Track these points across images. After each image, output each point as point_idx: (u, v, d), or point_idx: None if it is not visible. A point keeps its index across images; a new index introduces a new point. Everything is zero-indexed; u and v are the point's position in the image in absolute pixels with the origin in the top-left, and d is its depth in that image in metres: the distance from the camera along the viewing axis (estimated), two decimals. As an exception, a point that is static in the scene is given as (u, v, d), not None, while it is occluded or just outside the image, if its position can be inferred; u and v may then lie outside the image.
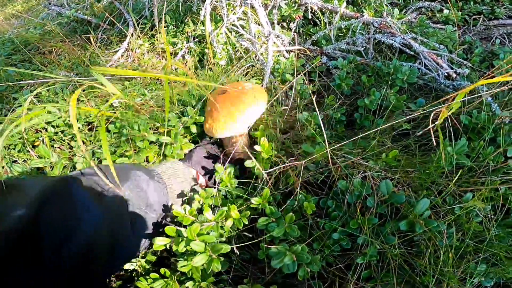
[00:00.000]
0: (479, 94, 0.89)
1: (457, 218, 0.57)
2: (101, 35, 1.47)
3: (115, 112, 0.88)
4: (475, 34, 1.54)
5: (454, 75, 1.11)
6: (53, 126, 0.94)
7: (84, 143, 0.91)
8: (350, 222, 0.58)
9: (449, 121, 0.73)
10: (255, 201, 0.65)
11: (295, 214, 0.62)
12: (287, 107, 0.81)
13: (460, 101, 0.58)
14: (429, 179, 0.61)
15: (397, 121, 0.72)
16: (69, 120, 0.94)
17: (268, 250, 0.58)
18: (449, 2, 1.54)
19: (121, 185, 0.54)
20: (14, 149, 0.90)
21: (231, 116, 0.68)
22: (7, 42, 1.73)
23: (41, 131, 0.94)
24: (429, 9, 1.67)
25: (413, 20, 1.53)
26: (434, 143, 0.60)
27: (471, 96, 0.81)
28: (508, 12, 1.75)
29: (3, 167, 0.84)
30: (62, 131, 0.93)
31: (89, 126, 0.98)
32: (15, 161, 0.89)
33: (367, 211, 0.58)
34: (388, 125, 0.68)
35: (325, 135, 0.60)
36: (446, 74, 0.99)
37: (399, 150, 0.69)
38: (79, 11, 1.77)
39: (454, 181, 0.58)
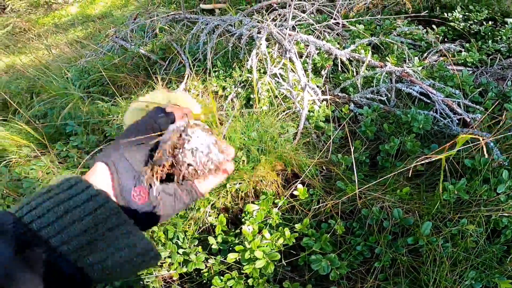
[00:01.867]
0: (484, 140, 1.08)
1: (453, 236, 0.79)
2: (162, 73, 1.79)
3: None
4: (492, 75, 1.70)
5: (468, 120, 1.29)
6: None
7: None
8: (370, 238, 0.83)
9: (455, 162, 0.94)
10: (297, 226, 0.90)
11: (328, 234, 0.86)
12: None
13: (465, 145, 0.80)
14: (432, 209, 0.83)
15: (412, 165, 0.94)
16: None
17: (309, 258, 0.82)
18: (469, 42, 1.71)
19: None
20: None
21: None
22: (84, 74, 2.11)
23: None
24: (449, 51, 1.84)
25: (434, 63, 1.71)
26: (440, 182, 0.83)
27: (475, 143, 1.01)
28: None
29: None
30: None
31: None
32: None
33: (383, 231, 0.82)
34: (404, 168, 0.90)
35: (356, 177, 0.84)
36: (457, 120, 1.18)
37: (412, 187, 0.92)
38: (140, 47, 2.12)
39: (452, 210, 0.80)
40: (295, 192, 0.97)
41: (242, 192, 1.12)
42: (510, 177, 0.90)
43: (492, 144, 1.12)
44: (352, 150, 1.03)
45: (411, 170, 0.80)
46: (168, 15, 2.66)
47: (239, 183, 1.13)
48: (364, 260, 0.89)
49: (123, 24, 3.39)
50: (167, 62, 2.08)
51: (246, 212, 1.03)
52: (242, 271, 0.89)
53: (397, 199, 0.92)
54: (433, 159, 0.82)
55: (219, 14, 2.58)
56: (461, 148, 1.00)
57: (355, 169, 0.92)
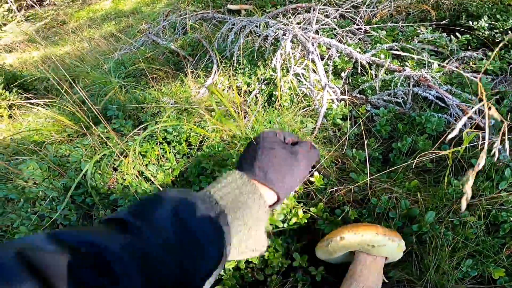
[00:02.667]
0: (491, 141, 1.15)
1: (455, 226, 0.88)
2: (191, 68, 1.95)
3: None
4: (510, 83, 1.72)
5: (482, 125, 1.36)
6: (167, 142, 1.41)
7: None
8: (381, 223, 0.93)
9: (463, 162, 1.03)
10: (312, 210, 1.01)
11: (340, 218, 0.97)
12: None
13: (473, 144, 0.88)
14: (437, 200, 0.92)
15: (421, 159, 1.03)
16: (178, 138, 1.40)
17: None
18: (492, 50, 1.75)
19: None
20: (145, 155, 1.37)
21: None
22: (121, 66, 2.31)
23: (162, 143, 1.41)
24: (471, 58, 1.88)
25: (455, 69, 1.76)
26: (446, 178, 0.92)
27: (482, 143, 1.08)
28: None
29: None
30: (173, 147, 1.40)
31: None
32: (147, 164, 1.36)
33: (390, 220, 0.92)
34: (412, 161, 1.00)
35: (368, 169, 0.94)
36: (469, 124, 1.25)
37: (420, 181, 1.02)
38: (171, 43, 2.29)
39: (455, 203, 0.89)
40: (311, 179, 1.08)
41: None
42: (511, 175, 0.97)
43: (500, 146, 1.19)
44: (365, 146, 1.13)
45: (415, 163, 0.89)
46: (197, 14, 2.83)
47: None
48: None
49: (154, 20, 3.61)
50: (195, 58, 2.25)
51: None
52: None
53: (405, 191, 1.01)
54: (440, 154, 0.90)
55: (245, 15, 2.72)
56: (468, 147, 1.09)
57: (367, 163, 1.02)
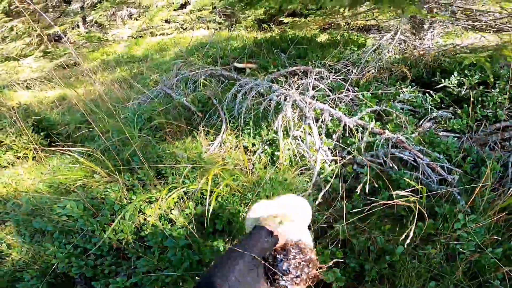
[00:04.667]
0: (450, 189, 1.46)
1: (419, 257, 1.20)
2: (202, 125, 2.28)
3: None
4: (475, 140, 2.05)
5: (450, 180, 1.66)
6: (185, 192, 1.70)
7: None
8: (360, 256, 1.21)
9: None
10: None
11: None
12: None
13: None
14: (406, 239, 1.22)
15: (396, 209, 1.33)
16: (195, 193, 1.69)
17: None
18: (462, 107, 2.05)
19: None
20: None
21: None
22: (138, 117, 2.64)
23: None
24: (441, 117, 2.23)
25: (427, 129, 2.11)
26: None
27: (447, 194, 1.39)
28: (509, 112, 2.17)
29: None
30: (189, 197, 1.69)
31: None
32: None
33: (372, 252, 1.21)
34: (389, 210, 1.30)
35: (344, 221, 1.23)
36: (437, 180, 1.56)
37: (393, 225, 1.31)
38: (183, 97, 2.63)
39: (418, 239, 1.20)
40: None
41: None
42: (465, 218, 1.30)
43: (459, 196, 1.50)
44: (344, 204, 1.44)
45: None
46: (206, 70, 3.26)
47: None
48: (355, 273, 1.28)
49: (166, 71, 4.06)
50: (206, 115, 2.57)
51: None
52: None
53: (381, 233, 1.32)
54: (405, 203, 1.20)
55: (249, 73, 3.15)
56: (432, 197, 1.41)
57: (344, 215, 1.34)
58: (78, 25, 8.51)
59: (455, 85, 2.47)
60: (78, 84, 5.62)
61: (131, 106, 3.33)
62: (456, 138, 2.08)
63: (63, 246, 1.65)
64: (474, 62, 2.06)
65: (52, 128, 3.42)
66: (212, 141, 2.24)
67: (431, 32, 3.30)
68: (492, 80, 2.34)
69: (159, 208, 1.71)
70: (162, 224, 1.66)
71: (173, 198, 1.75)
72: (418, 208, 1.30)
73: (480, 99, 2.31)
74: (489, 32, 3.30)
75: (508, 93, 2.31)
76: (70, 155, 2.56)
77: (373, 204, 1.23)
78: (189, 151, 2.22)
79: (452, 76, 2.50)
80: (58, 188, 2.17)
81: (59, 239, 1.69)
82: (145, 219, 1.76)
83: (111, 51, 6.92)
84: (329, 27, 5.41)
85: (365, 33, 5.02)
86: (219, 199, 1.71)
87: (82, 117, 3.75)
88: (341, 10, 3.45)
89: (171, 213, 1.67)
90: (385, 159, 1.76)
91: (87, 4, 8.01)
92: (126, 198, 1.84)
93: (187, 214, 1.72)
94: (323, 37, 4.51)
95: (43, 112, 3.91)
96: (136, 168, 2.08)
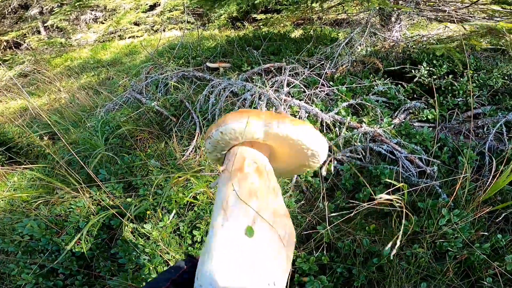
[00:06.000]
0: (430, 183, 1.44)
1: (407, 257, 1.16)
2: (175, 130, 2.16)
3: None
4: (449, 129, 2.08)
5: (428, 171, 1.65)
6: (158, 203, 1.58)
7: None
8: (347, 260, 1.15)
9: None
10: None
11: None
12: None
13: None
14: (391, 239, 1.17)
15: (378, 206, 1.28)
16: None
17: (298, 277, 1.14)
18: (433, 97, 2.09)
19: None
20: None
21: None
22: (105, 125, 2.47)
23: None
24: (415, 108, 2.25)
25: (403, 121, 2.11)
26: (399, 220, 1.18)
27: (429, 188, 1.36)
28: (479, 100, 2.23)
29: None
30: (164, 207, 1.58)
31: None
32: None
33: (358, 255, 1.15)
34: (374, 207, 1.25)
35: (327, 223, 1.17)
36: (416, 173, 1.55)
37: (379, 224, 1.26)
38: (154, 102, 2.49)
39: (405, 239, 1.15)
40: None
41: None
42: (449, 213, 1.27)
43: (440, 190, 1.48)
44: (327, 206, 1.38)
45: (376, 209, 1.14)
46: (178, 72, 3.12)
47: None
48: (344, 279, 1.23)
49: (135, 75, 3.85)
50: (179, 119, 2.45)
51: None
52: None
53: (366, 234, 1.27)
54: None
55: (223, 73, 3.04)
56: (413, 192, 1.38)
57: (327, 218, 1.27)
58: (38, 31, 7.98)
59: (425, 75, 2.52)
60: (41, 93, 5.24)
61: (98, 114, 3.12)
62: (430, 128, 2.10)
63: (28, 266, 1.51)
64: (445, 53, 2.08)
65: (11, 142, 3.14)
66: (186, 146, 2.12)
67: (399, 24, 3.36)
68: (461, 69, 2.40)
69: (132, 222, 1.58)
70: (136, 239, 1.54)
71: (145, 210, 1.62)
72: (408, 203, 1.28)
73: (450, 88, 2.35)
74: (453, 22, 3.41)
75: (476, 81, 2.38)
76: (31, 171, 2.35)
77: (356, 208, 1.18)
78: (161, 158, 2.08)
79: (422, 66, 2.53)
80: (19, 206, 1.97)
81: (23, 260, 1.55)
82: (115, 234, 1.62)
83: (75, 56, 6.52)
84: (303, 23, 5.41)
85: (337, 27, 5.05)
86: (195, 208, 1.61)
87: (46, 128, 3.48)
88: (312, 4, 3.43)
89: (143, 228, 1.54)
90: (364, 153, 1.73)
91: (47, 9, 7.50)
92: (93, 214, 1.69)
93: (161, 227, 1.59)
94: (296, 33, 4.48)
95: (1, 126, 3.59)
96: (103, 182, 1.92)
